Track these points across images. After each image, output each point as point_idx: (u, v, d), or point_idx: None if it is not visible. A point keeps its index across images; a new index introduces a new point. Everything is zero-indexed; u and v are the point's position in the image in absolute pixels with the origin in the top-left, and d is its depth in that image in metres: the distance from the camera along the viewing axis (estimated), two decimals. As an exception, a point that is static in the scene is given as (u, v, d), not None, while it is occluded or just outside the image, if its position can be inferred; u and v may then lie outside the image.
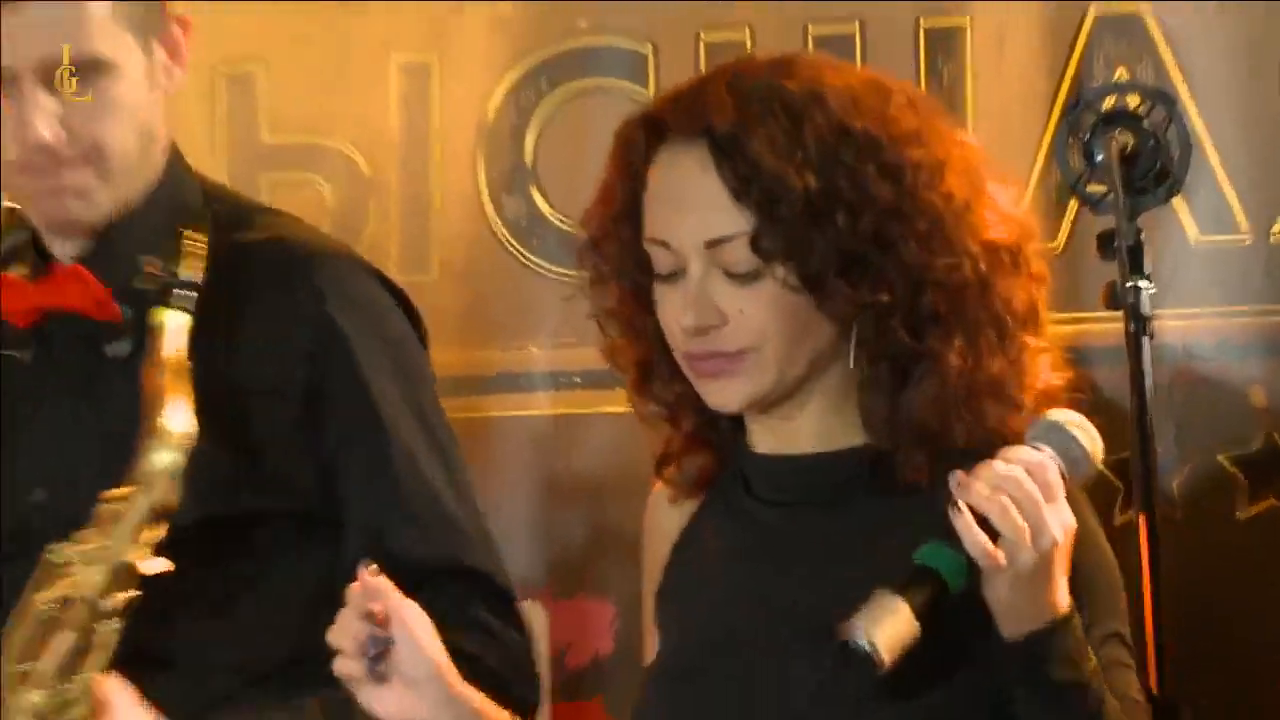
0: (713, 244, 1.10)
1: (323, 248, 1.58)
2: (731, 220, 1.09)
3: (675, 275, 1.13)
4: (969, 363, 1.10)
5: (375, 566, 1.13)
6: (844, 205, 1.07)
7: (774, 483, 1.20)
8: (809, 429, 1.17)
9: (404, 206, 2.37)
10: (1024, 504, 0.95)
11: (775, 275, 1.09)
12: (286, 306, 1.49)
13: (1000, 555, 0.94)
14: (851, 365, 1.13)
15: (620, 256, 1.18)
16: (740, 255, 1.10)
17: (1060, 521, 0.97)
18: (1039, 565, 0.96)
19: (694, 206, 1.12)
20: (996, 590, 0.97)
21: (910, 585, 0.95)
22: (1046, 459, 0.99)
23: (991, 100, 2.30)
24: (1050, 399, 1.13)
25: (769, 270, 1.09)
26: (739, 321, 1.11)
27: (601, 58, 2.35)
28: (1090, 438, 1.03)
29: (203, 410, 1.33)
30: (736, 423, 1.21)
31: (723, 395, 1.14)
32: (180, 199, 1.52)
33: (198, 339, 1.36)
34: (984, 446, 1.05)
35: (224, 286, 1.43)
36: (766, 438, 1.19)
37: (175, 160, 1.54)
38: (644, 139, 1.15)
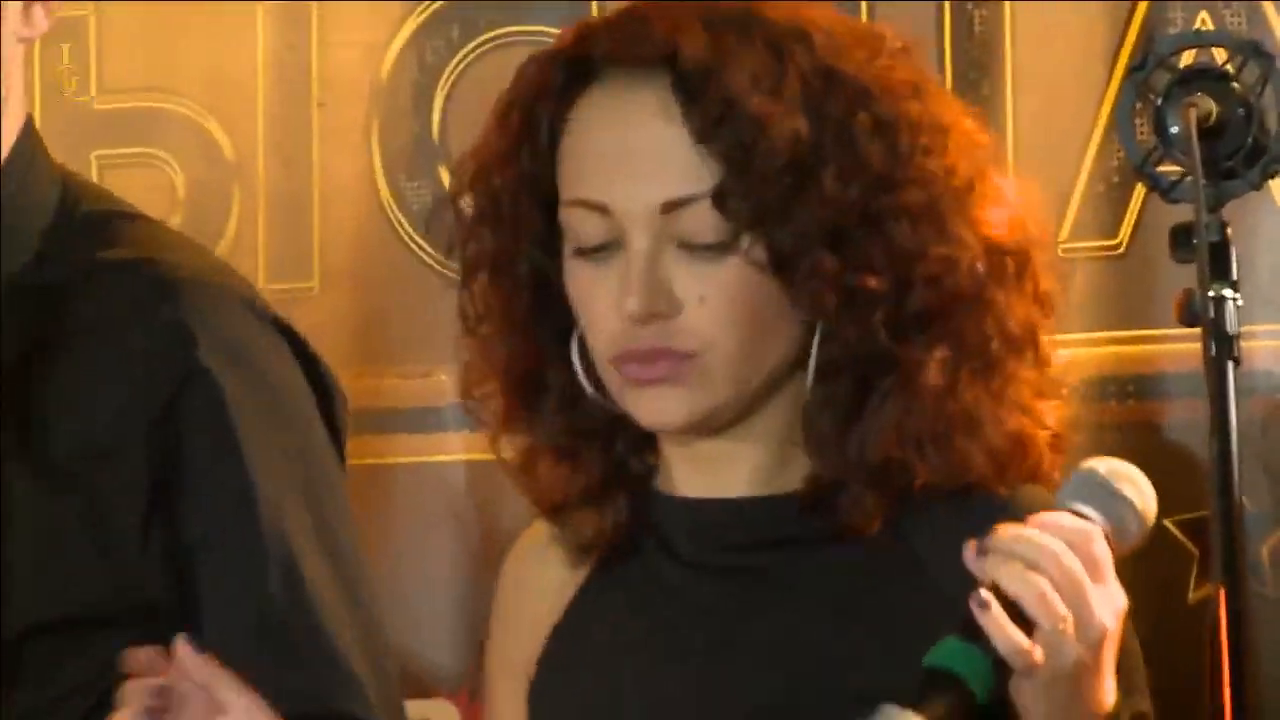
0: (671, 207, 0.94)
1: (203, 275, 1.31)
2: (697, 177, 0.93)
3: (606, 249, 0.95)
4: (947, 382, 0.96)
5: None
6: (833, 163, 0.94)
7: (700, 536, 1.02)
8: (750, 465, 1.01)
9: (276, 194, 2.02)
10: (1065, 587, 0.79)
11: (743, 251, 0.94)
12: (141, 348, 1.24)
13: (1038, 652, 0.78)
14: (811, 379, 0.98)
15: (516, 232, 1.00)
16: (705, 222, 0.94)
17: (1111, 607, 0.82)
18: (1083, 661, 0.81)
19: (647, 158, 0.96)
20: (1029, 694, 0.81)
21: (927, 697, 0.78)
22: (1091, 526, 0.82)
23: (1037, 58, 1.99)
24: (1034, 446, 1.00)
25: (736, 244, 0.94)
26: (696, 313, 0.94)
27: (530, -1, 2.02)
28: (1143, 496, 0.86)
29: (17, 479, 1.18)
30: (647, 462, 1.05)
31: (662, 409, 0.96)
32: (31, 195, 1.30)
33: (16, 384, 1.20)
34: (945, 493, 0.96)
35: (69, 317, 1.24)
36: (694, 477, 1.02)
37: (28, 140, 1.31)
38: (563, 78, 0.97)
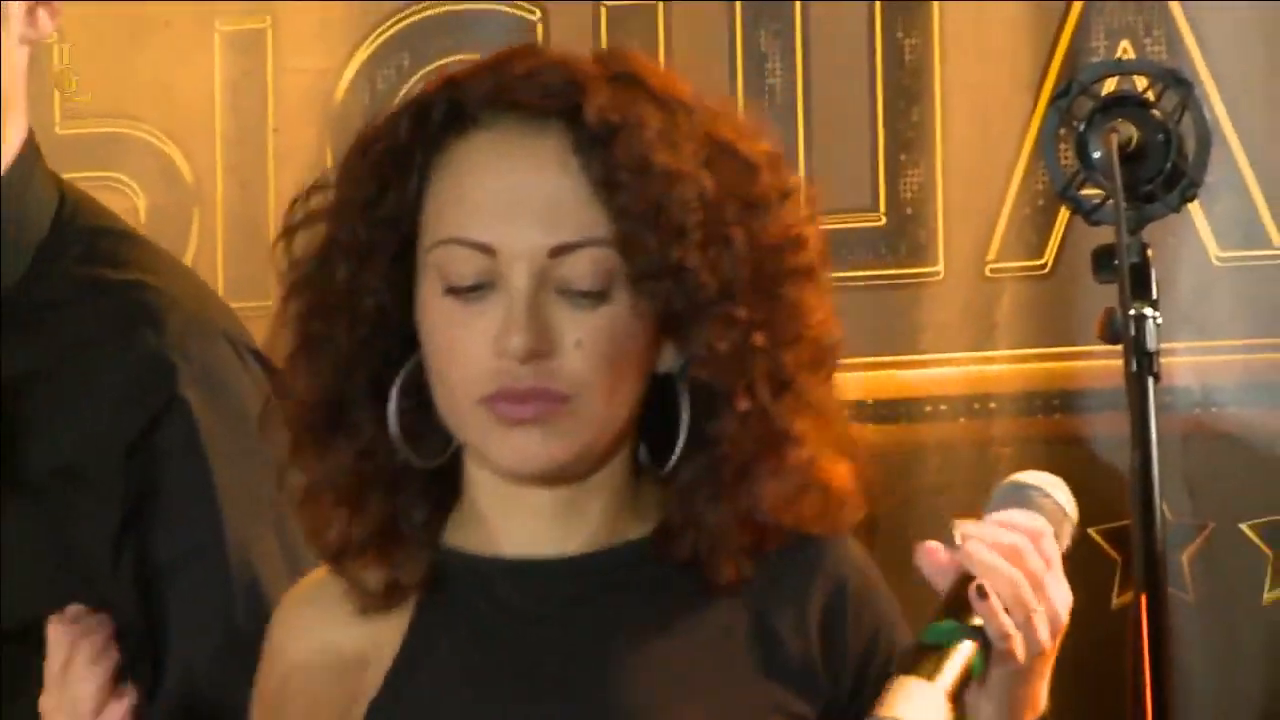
0: (558, 251, 0.93)
1: (187, 304, 1.30)
2: (590, 223, 0.94)
3: (480, 289, 0.94)
4: (810, 440, 0.98)
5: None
6: (740, 224, 0.96)
7: (530, 590, 1.00)
8: (590, 516, 1.00)
9: (233, 216, 2.05)
10: (1032, 580, 0.83)
11: (623, 300, 0.95)
12: (122, 375, 1.24)
13: (1018, 641, 0.82)
14: (683, 440, 0.97)
15: (369, 268, 0.97)
16: (589, 268, 0.94)
17: (1066, 602, 0.85)
18: (1042, 655, 0.85)
19: (540, 204, 0.95)
20: (996, 684, 0.84)
21: (939, 665, 0.79)
22: (1044, 524, 0.86)
23: (965, 86, 2.04)
24: (854, 495, 1.01)
25: (616, 292, 0.94)
26: (572, 357, 0.94)
27: (479, 24, 2.05)
28: (1070, 503, 0.90)
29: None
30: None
31: (527, 451, 0.94)
32: (29, 208, 1.28)
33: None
34: (784, 542, 0.98)
35: (56, 336, 1.24)
36: (524, 529, 1.00)
37: (29, 150, 1.29)
38: (440, 121, 0.96)
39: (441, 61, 1.94)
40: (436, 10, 2.01)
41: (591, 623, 0.99)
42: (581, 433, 0.95)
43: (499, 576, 1.00)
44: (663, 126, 0.95)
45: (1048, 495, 0.87)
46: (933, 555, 0.83)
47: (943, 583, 0.83)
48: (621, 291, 0.94)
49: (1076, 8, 2.06)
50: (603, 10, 1.92)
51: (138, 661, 1.16)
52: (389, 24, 2.01)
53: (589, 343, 0.93)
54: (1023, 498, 0.88)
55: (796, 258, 0.98)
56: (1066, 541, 0.88)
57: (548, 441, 0.93)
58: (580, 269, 0.93)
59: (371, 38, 2.01)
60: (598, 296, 0.94)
